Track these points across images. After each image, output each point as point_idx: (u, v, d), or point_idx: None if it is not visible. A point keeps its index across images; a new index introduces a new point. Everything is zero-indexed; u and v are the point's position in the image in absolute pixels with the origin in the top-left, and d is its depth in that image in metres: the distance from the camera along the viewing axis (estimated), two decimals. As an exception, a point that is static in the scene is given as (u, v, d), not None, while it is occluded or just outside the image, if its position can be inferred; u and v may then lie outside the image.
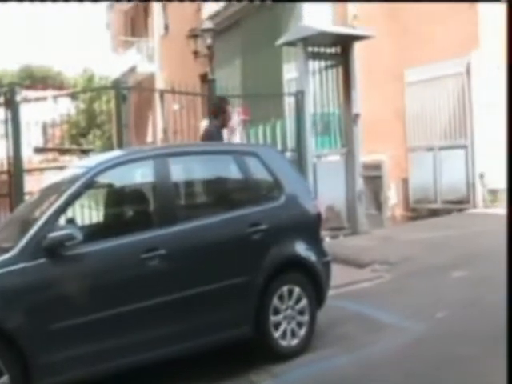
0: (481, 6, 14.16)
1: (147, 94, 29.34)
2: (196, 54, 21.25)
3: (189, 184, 6.35)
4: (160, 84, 28.62)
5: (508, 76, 3.34)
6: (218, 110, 9.06)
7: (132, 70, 32.74)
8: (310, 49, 11.68)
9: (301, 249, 6.25)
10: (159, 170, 5.68)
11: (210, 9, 22.70)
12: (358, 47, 12.30)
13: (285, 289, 6.01)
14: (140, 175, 6.01)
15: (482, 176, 13.91)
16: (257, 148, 6.84)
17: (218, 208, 6.09)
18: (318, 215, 6.51)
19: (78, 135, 41.00)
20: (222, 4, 21.57)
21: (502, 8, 14.21)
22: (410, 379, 5.35)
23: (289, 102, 12.39)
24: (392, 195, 16.54)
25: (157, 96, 27.19)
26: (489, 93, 14.33)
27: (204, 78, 19.69)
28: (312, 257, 6.28)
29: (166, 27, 30.80)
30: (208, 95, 10.81)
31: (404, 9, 15.75)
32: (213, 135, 8.69)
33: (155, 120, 31.48)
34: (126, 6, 35.33)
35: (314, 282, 6.27)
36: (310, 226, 6.40)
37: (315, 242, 6.40)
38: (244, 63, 21.30)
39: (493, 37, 14.44)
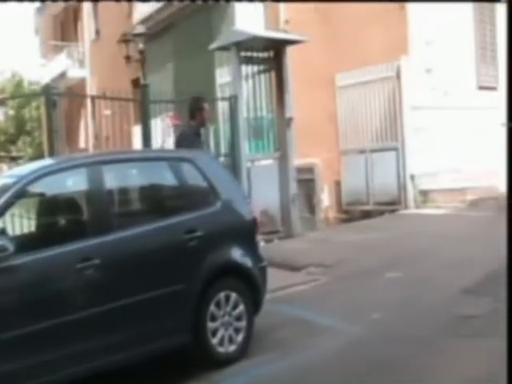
0: (410, 10, 14.45)
1: (78, 99, 28.86)
2: (128, 58, 20.99)
3: (123, 192, 6.26)
4: (91, 89, 28.25)
5: (508, 76, 3.39)
6: (194, 110, 8.81)
7: (62, 75, 32.24)
8: (242, 53, 11.69)
9: (237, 254, 6.24)
10: (92, 178, 5.56)
11: (141, 13, 22.54)
12: (290, 51, 12.38)
13: (222, 295, 5.99)
14: (73, 184, 5.89)
15: (412, 177, 14.16)
16: (192, 154, 6.79)
17: (154, 215, 6.02)
18: (254, 220, 6.52)
19: (7, 142, 40.16)
20: (154, 7, 21.43)
21: (431, 13, 14.67)
22: (347, 381, 5.39)
23: (222, 107, 12.37)
24: (325, 198, 16.69)
25: (88, 102, 26.82)
26: (418, 96, 14.65)
27: (136, 83, 19.53)
28: (248, 262, 6.28)
29: (97, 32, 30.42)
30: (140, 100, 10.71)
31: (335, 13, 15.94)
32: (187, 139, 8.48)
33: (87, 126, 31.05)
34: (56, 10, 34.77)
35: (251, 287, 6.27)
36: (245, 232, 6.40)
37: (251, 247, 6.40)
38: (177, 67, 21.21)
39: (422, 41, 14.79)
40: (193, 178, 6.23)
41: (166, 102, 11.41)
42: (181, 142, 8.58)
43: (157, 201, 6.38)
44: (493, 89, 17.72)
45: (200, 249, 5.87)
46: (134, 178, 6.39)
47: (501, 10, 17.69)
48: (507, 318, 4.06)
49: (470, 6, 16.66)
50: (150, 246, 5.66)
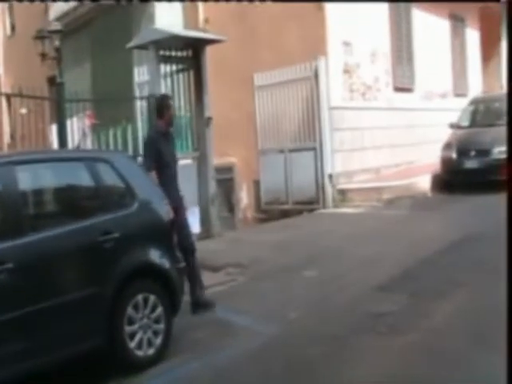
0: (328, 11, 14.64)
1: (-8, 97, 28.02)
2: (43, 56, 20.53)
3: (38, 193, 6.07)
4: (6, 87, 27.54)
5: (508, 77, 3.44)
6: (162, 109, 7.92)
7: (-25, 72, 31.29)
8: (161, 52, 11.61)
9: (155, 256, 6.22)
10: (5, 178, 5.38)
11: (58, 9, 22.11)
12: (209, 51, 12.37)
13: (139, 297, 5.94)
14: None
15: (330, 177, 14.36)
16: (108, 154, 6.72)
17: (69, 217, 5.89)
18: (171, 221, 6.50)
19: None
20: (71, 4, 21.06)
21: (349, 13, 14.91)
22: (263, 381, 5.44)
23: (141, 106, 12.26)
24: (244, 197, 16.77)
25: (3, 100, 26.15)
26: (336, 96, 14.87)
27: (52, 81, 19.11)
28: (166, 264, 6.26)
29: (13, 27, 29.66)
30: (56, 99, 10.51)
31: (253, 12, 16.02)
32: (153, 143, 7.69)
33: (1, 125, 30.23)
34: (-33, 4, 33.70)
35: (169, 289, 6.26)
36: (163, 233, 6.38)
37: (169, 249, 6.37)
38: (94, 66, 20.89)
39: (339, 42, 15.02)
40: (109, 178, 6.15)
41: (82, 100, 11.19)
42: (150, 149, 7.67)
43: (72, 202, 6.25)
44: (409, 90, 18.17)
45: (116, 251, 5.81)
46: (49, 178, 6.20)
47: (416, 11, 18.17)
48: (507, 318, 4.16)
49: (386, 6, 17.03)
50: (65, 248, 5.54)
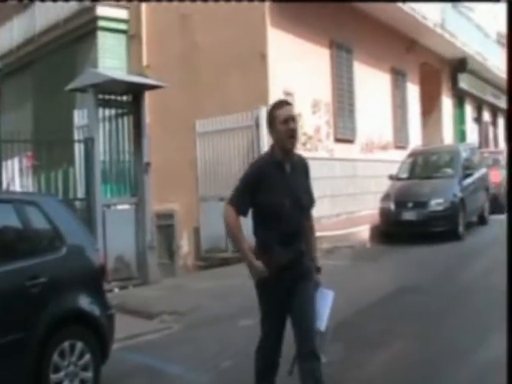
0: (271, 60, 14.79)
1: None
2: (-18, 95, 20.36)
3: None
4: None
5: (508, 78, 3.41)
6: (270, 121, 4.97)
7: None
8: (100, 96, 11.54)
9: (83, 302, 6.05)
10: None
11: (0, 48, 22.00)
12: (153, 96, 12.36)
13: (66, 344, 5.75)
14: None
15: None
16: (37, 197, 6.56)
17: (-5, 260, 5.70)
18: (102, 267, 6.36)
19: None
20: (13, 43, 20.97)
21: (291, 63, 15.09)
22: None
23: (79, 149, 12.13)
24: (184, 244, 16.62)
25: None
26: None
27: (-8, 121, 18.90)
28: (95, 310, 6.10)
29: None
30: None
31: (197, 59, 16.12)
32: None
33: None
34: None
35: (98, 335, 6.09)
36: (92, 278, 6.23)
37: (98, 295, 6.22)
38: (36, 106, 20.76)
39: (281, 91, 15.15)
40: (38, 222, 6.00)
41: (19, 141, 11.01)
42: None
43: (-1, 245, 6.06)
44: (350, 141, 18.41)
45: (43, 296, 5.63)
46: (-23, 220, 6.03)
47: (358, 64, 18.51)
48: (507, 318, 4.11)
49: (328, 58, 17.33)
50: (-10, 292, 5.34)
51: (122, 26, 18.43)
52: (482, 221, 17.41)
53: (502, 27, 37.76)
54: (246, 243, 4.64)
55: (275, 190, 4.54)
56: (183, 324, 8.87)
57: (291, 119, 4.63)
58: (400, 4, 19.36)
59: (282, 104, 4.78)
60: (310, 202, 4.81)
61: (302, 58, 15.88)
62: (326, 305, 4.78)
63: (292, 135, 4.62)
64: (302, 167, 4.83)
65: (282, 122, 4.60)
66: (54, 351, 5.65)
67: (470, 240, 14.74)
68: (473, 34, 27.99)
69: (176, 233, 16.72)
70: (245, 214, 4.62)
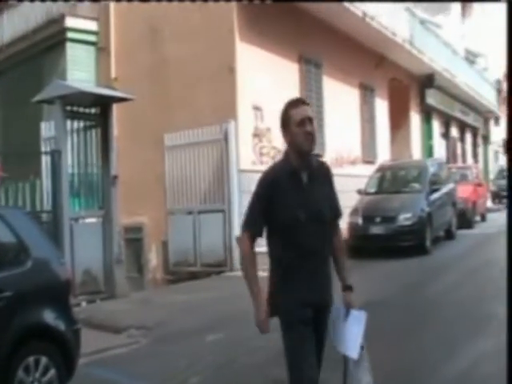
0: (240, 74, 14.81)
1: None
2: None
3: None
4: None
5: (508, 79, 3.38)
6: (284, 123, 4.33)
7: None
8: (68, 107, 11.45)
9: (48, 316, 5.97)
10: None
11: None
12: (122, 109, 12.29)
13: (31, 359, 5.66)
14: None
15: (236, 240, 14.28)
16: (3, 209, 6.49)
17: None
18: (68, 281, 6.27)
19: None
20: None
21: (259, 77, 15.12)
22: None
23: (46, 161, 12.00)
24: (153, 258, 16.52)
25: None
26: (246, 159, 14.94)
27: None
28: (60, 325, 6.01)
29: None
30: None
31: (166, 72, 16.10)
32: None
33: None
34: None
35: (63, 351, 6.00)
36: (58, 292, 6.14)
37: (64, 309, 6.13)
38: (4, 118, 20.56)
39: (250, 105, 15.19)
40: (3, 234, 5.93)
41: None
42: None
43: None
44: (318, 156, 18.41)
45: (7, 310, 5.54)
46: None
47: (327, 79, 18.59)
48: (507, 319, 4.09)
49: (297, 73, 17.41)
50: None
51: (91, 38, 18.32)
52: (450, 235, 17.55)
53: (470, 44, 38.35)
54: (257, 283, 4.06)
55: (289, 203, 3.96)
56: (151, 338, 8.78)
57: (308, 120, 4.03)
58: (369, 20, 19.53)
59: (298, 103, 4.16)
60: (333, 213, 4.19)
61: (271, 72, 15.91)
62: (358, 329, 4.10)
63: (309, 138, 4.02)
64: (322, 175, 4.19)
65: (298, 124, 4.02)
66: (19, 366, 5.56)
67: (437, 254, 14.85)
68: (441, 51, 28.33)
69: (144, 246, 16.62)
70: (261, 235, 4.09)
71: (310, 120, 4.03)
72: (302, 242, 3.97)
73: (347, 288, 4.22)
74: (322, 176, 4.18)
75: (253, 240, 4.06)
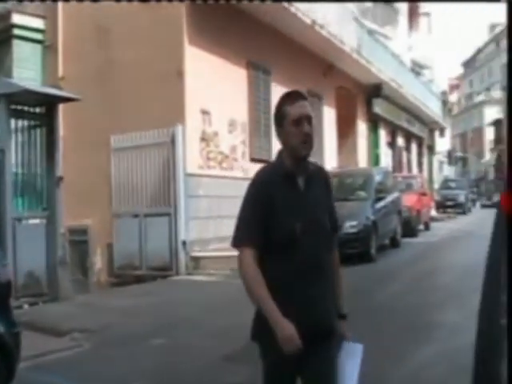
0: (188, 78, 14.75)
1: None
2: None
3: None
4: None
5: (508, 80, 3.34)
6: (278, 121, 3.95)
7: None
8: (13, 106, 11.24)
9: (-13, 319, 5.80)
10: None
11: None
12: (70, 110, 12.12)
13: (-33, 364, 5.50)
14: None
15: (184, 243, 14.24)
16: None
17: None
18: (8, 282, 6.11)
19: None
20: None
21: (208, 81, 15.08)
22: None
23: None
24: (98, 260, 16.34)
25: None
26: (193, 163, 14.89)
27: None
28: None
29: None
30: None
31: (114, 74, 15.95)
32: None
33: None
34: None
35: (2, 354, 5.84)
36: (-2, 295, 5.98)
37: (4, 312, 5.96)
38: None
39: (198, 109, 15.15)
40: None
41: None
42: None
43: None
44: (265, 162, 18.44)
45: None
46: None
47: (275, 86, 18.65)
48: (507, 319, 4.08)
49: (245, 78, 17.43)
50: None
51: (38, 36, 18.03)
52: (395, 243, 17.77)
53: (416, 56, 39.01)
54: (269, 301, 3.17)
55: (284, 211, 3.27)
56: (94, 342, 8.63)
57: (305, 119, 3.38)
58: (318, 28, 19.68)
59: (295, 97, 3.48)
60: (332, 224, 3.48)
61: (220, 77, 15.91)
62: (354, 363, 3.51)
63: (306, 141, 3.35)
64: (320, 180, 3.51)
65: (294, 123, 3.38)
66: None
67: (382, 262, 15.00)
68: (388, 61, 28.74)
69: (90, 249, 16.42)
70: (261, 247, 3.29)
71: (309, 119, 3.40)
72: (299, 256, 3.26)
73: (341, 317, 3.61)
74: (320, 182, 3.51)
75: (255, 255, 3.25)
